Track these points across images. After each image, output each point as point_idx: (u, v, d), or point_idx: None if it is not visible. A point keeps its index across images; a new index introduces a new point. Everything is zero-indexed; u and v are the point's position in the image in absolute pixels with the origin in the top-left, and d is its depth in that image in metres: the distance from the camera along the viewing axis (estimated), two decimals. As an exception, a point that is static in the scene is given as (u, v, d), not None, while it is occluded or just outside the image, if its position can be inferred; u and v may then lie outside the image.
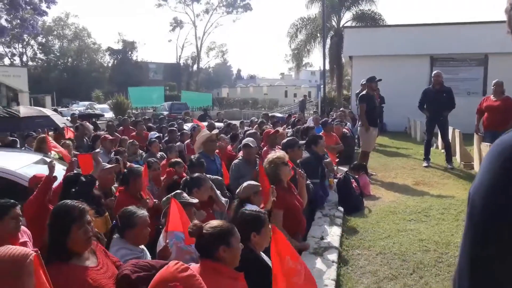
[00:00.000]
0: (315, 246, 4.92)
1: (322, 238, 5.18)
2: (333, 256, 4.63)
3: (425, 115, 10.06)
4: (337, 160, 8.80)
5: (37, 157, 6.15)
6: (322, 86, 24.00)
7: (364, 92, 9.62)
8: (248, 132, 8.58)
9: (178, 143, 9.05)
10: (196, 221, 2.71)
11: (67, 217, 2.46)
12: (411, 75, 17.22)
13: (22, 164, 5.45)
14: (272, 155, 4.77)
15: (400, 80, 16.88)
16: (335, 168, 8.53)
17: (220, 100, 44.12)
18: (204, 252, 2.53)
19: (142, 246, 3.30)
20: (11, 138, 8.94)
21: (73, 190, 4.07)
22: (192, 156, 5.87)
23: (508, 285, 0.95)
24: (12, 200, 3.51)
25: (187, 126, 12.15)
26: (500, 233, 0.94)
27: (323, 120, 10.70)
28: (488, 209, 0.98)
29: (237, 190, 4.13)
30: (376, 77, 9.51)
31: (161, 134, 11.23)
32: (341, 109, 17.89)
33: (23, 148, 8.17)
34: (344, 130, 10.57)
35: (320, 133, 8.60)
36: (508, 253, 0.94)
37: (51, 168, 4.26)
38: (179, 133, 10.26)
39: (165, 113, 24.35)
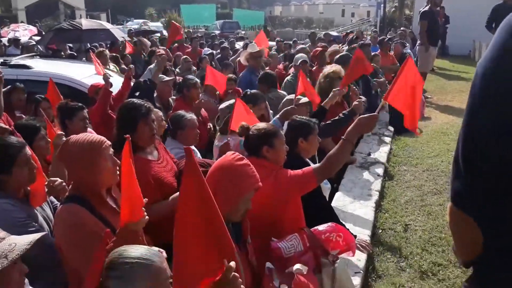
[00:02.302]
0: (362, 161, 5.04)
1: (369, 154, 5.28)
2: (379, 170, 4.75)
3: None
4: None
5: (99, 68, 6.48)
6: (382, 4, 22.57)
7: (426, 8, 9.02)
8: (298, 48, 8.43)
9: (231, 59, 9.11)
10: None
11: (136, 112, 2.69)
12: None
13: (85, 74, 5.79)
14: (328, 69, 4.72)
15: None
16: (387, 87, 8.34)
17: (273, 19, 42.76)
18: (250, 150, 2.72)
19: (193, 147, 3.55)
20: (70, 52, 9.37)
21: (136, 94, 4.37)
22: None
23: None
24: (80, 104, 3.85)
25: (238, 45, 12.10)
26: (493, 102, 1.02)
27: (381, 38, 10.25)
28: (485, 80, 1.04)
29: (280, 106, 4.21)
30: (441, -9, 8.83)
31: (213, 52, 11.30)
32: (401, 28, 16.89)
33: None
34: (404, 50, 10.07)
35: (377, 52, 8.31)
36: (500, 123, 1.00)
37: (107, 80, 4.53)
38: (231, 51, 10.29)
39: (217, 32, 24.13)
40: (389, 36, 14.11)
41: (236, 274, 1.45)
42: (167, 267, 1.45)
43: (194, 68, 8.65)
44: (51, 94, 4.41)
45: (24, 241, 1.40)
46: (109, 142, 2.18)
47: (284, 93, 5.31)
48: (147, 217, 1.91)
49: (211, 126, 4.84)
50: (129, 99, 2.96)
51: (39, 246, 2.01)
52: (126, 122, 2.69)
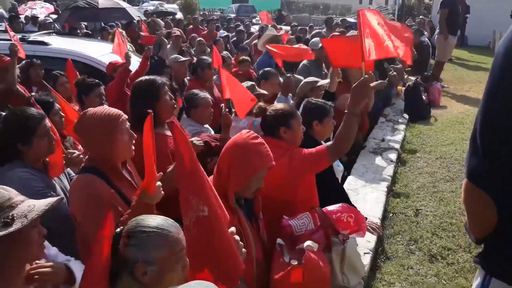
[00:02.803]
0: (375, 147, 5.03)
1: (383, 140, 5.27)
2: (392, 156, 4.74)
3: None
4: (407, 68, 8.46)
5: (114, 47, 6.52)
6: (401, -9, 22.10)
7: (447, -4, 8.85)
8: (314, 32, 8.36)
9: (246, 42, 9.08)
10: (261, 103, 2.87)
11: (154, 86, 2.72)
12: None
13: (102, 52, 5.83)
14: None
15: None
16: (404, 76, 8.25)
17: (289, 4, 42.18)
18: (267, 130, 2.73)
19: (207, 125, 3.58)
20: (85, 31, 9.41)
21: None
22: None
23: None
24: (97, 80, 3.89)
25: (254, 28, 12.03)
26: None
27: (397, 26, 10.08)
28: (506, 58, 1.04)
29: (297, 90, 4.21)
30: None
31: (229, 34, 11.26)
32: (420, 17, 16.59)
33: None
34: (421, 38, 9.91)
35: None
36: None
37: (128, 58, 4.55)
38: (246, 34, 10.25)
39: (232, 15, 23.99)
40: (408, 24, 13.86)
41: (237, 237, 1.46)
42: (183, 238, 1.48)
43: (209, 50, 8.65)
44: (69, 73, 4.47)
45: (42, 203, 1.46)
46: (125, 116, 2.21)
47: (300, 77, 5.30)
48: (162, 192, 1.94)
49: (223, 106, 4.86)
50: (141, 78, 2.96)
51: (55, 214, 2.09)
52: (146, 97, 2.70)
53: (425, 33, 11.73)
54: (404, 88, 7.55)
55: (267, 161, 2.10)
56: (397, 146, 5.13)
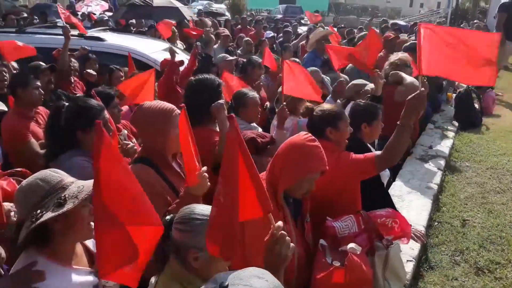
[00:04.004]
0: (422, 153, 4.91)
1: (430, 147, 5.13)
2: (439, 164, 4.61)
3: None
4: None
5: (166, 45, 6.73)
6: (455, -6, 21.36)
7: (507, 0, 8.46)
8: (362, 34, 8.24)
9: (293, 43, 9.07)
10: (308, 103, 2.89)
11: (215, 85, 2.83)
12: None
13: (154, 49, 6.03)
14: (395, 56, 4.61)
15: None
16: (455, 82, 7.98)
17: (337, 6, 41.71)
18: (313, 130, 2.72)
19: (254, 124, 3.63)
20: (141, 30, 9.73)
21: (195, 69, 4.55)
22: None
23: None
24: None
25: (301, 29, 12.00)
26: None
27: (451, 30, 9.75)
28: None
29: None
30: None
31: (275, 35, 11.28)
32: (474, 21, 15.96)
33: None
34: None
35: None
36: None
37: (172, 53, 4.70)
38: (293, 35, 10.24)
39: (279, 16, 24.01)
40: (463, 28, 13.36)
41: (284, 232, 1.49)
42: None
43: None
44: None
45: (90, 183, 1.54)
46: (178, 111, 2.29)
47: (344, 76, 5.29)
48: (208, 183, 2.00)
49: (267, 105, 4.91)
50: (203, 75, 3.06)
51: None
52: (205, 94, 2.80)
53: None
54: (455, 94, 7.30)
55: (321, 164, 2.11)
56: (445, 154, 4.98)
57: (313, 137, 2.15)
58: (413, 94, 2.35)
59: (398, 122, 2.43)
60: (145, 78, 3.65)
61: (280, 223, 1.56)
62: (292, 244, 1.47)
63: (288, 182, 2.07)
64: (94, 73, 4.74)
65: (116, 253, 1.37)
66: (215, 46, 8.09)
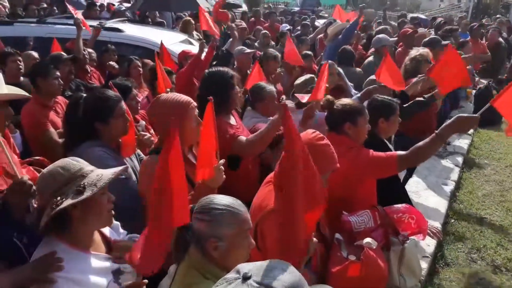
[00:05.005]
0: (440, 150, 4.84)
1: (448, 144, 5.05)
2: (457, 161, 4.55)
3: None
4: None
5: (183, 37, 6.75)
6: (477, -12, 20.89)
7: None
8: (379, 28, 8.11)
9: (310, 36, 8.99)
10: (329, 96, 2.87)
11: (228, 77, 2.83)
12: None
13: (171, 41, 6.04)
14: (415, 51, 4.52)
15: None
16: (476, 78, 7.84)
17: (355, -1, 41.29)
18: (332, 125, 2.71)
19: (271, 117, 3.61)
20: (159, 20, 9.76)
21: (213, 63, 4.53)
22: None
23: None
24: (169, 68, 4.07)
25: (318, 23, 11.88)
26: None
27: (472, 24, 9.54)
28: None
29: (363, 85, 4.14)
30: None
31: (291, 28, 11.18)
32: (497, 16, 15.60)
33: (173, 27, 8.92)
34: (499, 39, 9.29)
35: (467, 39, 7.79)
36: None
37: (202, 48, 4.70)
38: (311, 28, 10.15)
39: (296, 8, 23.84)
40: (486, 23, 13.04)
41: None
42: (250, 219, 1.54)
43: (273, 43, 8.67)
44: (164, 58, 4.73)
45: (109, 172, 1.58)
46: (195, 103, 2.31)
47: (358, 70, 5.24)
48: (224, 176, 2.01)
49: (283, 98, 4.89)
50: (216, 68, 3.07)
51: (125, 192, 2.23)
52: (219, 87, 2.80)
53: (503, 33, 11.01)
54: (474, 90, 7.17)
55: (333, 163, 2.09)
56: (463, 150, 4.91)
57: (321, 135, 2.12)
58: (469, 116, 2.41)
59: (436, 131, 2.42)
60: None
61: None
62: (314, 239, 1.48)
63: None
64: (116, 65, 4.78)
65: (157, 252, 1.49)
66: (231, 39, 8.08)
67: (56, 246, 1.52)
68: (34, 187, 1.75)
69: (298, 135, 1.66)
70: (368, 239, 2.24)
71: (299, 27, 10.72)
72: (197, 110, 2.33)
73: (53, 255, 1.48)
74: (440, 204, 3.65)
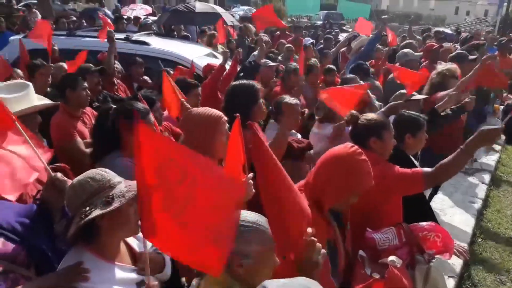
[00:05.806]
0: (466, 166, 4.73)
1: (475, 160, 4.95)
2: (484, 178, 4.44)
3: None
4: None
5: (207, 50, 6.85)
6: (505, 3, 20.55)
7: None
8: (404, 43, 8.05)
9: (333, 50, 8.99)
10: (353, 111, 2.85)
11: (254, 90, 2.86)
12: None
13: (196, 55, 6.14)
14: (443, 66, 4.45)
15: None
16: (504, 94, 7.66)
17: (379, 13, 41.07)
18: (356, 140, 2.67)
19: (293, 131, 3.61)
20: (184, 34, 9.95)
21: (240, 75, 4.56)
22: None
23: None
24: (196, 81, 4.14)
25: (342, 36, 11.87)
26: None
27: (500, 39, 9.38)
28: None
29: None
30: None
31: (313, 41, 11.19)
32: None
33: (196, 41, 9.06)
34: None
35: (495, 53, 7.64)
36: None
37: (225, 55, 4.76)
38: (333, 42, 10.14)
39: (319, 22, 23.89)
40: (512, 37, 12.78)
41: (314, 239, 1.48)
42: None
43: (297, 56, 8.68)
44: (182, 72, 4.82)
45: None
46: (225, 118, 2.34)
47: (377, 83, 5.21)
48: (253, 190, 2.00)
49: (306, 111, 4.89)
50: (236, 82, 3.11)
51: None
52: (248, 98, 2.86)
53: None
54: (502, 106, 7.01)
55: (370, 180, 2.03)
56: (491, 168, 4.79)
57: (360, 150, 2.06)
58: (492, 128, 2.36)
59: (461, 146, 2.37)
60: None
61: (310, 229, 1.55)
62: (323, 251, 1.47)
63: (333, 200, 2.02)
64: (150, 80, 4.90)
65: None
66: (255, 52, 8.14)
67: (83, 256, 1.54)
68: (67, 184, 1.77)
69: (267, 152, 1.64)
70: (392, 257, 2.20)
71: (322, 41, 10.73)
72: (227, 125, 2.36)
73: (79, 265, 1.50)
74: (467, 222, 3.56)
